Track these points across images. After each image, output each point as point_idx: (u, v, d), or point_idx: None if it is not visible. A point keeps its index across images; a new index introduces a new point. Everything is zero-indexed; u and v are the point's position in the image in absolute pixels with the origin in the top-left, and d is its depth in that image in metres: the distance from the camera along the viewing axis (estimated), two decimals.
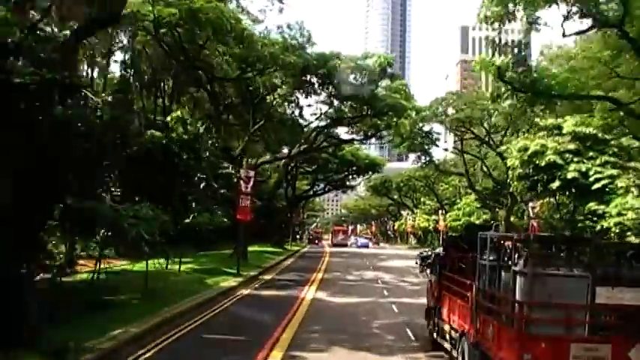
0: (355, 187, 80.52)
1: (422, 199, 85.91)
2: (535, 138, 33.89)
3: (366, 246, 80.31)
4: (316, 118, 35.41)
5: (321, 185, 73.58)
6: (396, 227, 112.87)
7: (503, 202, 53.20)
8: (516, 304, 8.20)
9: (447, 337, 11.80)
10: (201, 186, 23.48)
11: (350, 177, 65.70)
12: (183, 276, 25.88)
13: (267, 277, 29.90)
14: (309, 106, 34.11)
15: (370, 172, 65.11)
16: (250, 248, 55.37)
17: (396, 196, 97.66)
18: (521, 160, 34.14)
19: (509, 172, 37.56)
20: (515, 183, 37.21)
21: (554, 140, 33.21)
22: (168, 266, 25.97)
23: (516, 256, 8.72)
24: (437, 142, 51.41)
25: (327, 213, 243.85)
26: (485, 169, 51.96)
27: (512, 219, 48.72)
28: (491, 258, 9.39)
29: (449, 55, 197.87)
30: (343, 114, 33.16)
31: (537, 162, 32.71)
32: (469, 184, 52.51)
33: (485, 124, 45.89)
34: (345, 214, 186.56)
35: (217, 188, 26.04)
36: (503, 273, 9.00)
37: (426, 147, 53.03)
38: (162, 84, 32.68)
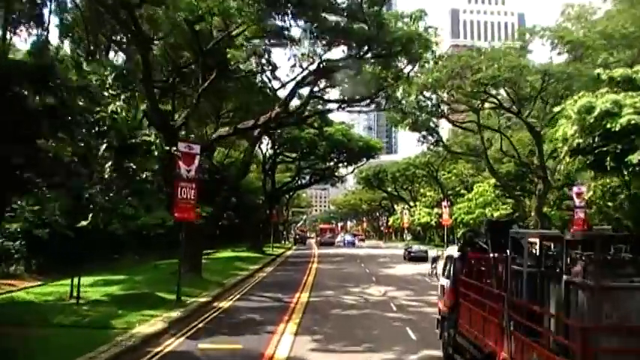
0: (345, 177, 70.82)
1: (422, 191, 76.21)
2: (602, 94, 24.37)
3: (353, 243, 79.31)
4: (294, 80, 25.09)
5: (307, 177, 63.59)
6: (390, 223, 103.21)
7: (530, 190, 43.70)
8: (577, 330, 6.30)
9: (468, 356, 10.08)
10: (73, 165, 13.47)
11: (340, 165, 55.55)
12: (81, 311, 16.00)
13: (224, 304, 19.85)
14: (289, 60, 23.90)
15: (364, 160, 55.13)
16: (221, 254, 45.62)
17: (390, 189, 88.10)
18: (581, 126, 24.61)
19: (558, 144, 27.91)
20: (567, 160, 27.63)
21: (630, 95, 23.77)
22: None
23: (568, 262, 7.07)
24: (447, 116, 41.51)
25: (316, 210, 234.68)
26: (504, 148, 42.36)
27: (544, 209, 39.19)
28: (529, 263, 7.68)
29: (439, 39, 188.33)
30: (332, 66, 23.30)
31: (609, 126, 23.17)
32: (489, 168, 42.77)
33: (509, 90, 36.20)
34: (334, 210, 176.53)
35: (133, 169, 15.91)
36: (548, 284, 7.34)
37: (433, 124, 43.33)
38: None
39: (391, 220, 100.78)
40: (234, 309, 18.86)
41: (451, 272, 11.81)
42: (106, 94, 16.65)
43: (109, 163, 15.76)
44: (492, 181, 51.88)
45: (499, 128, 42.01)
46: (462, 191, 67.33)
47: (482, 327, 9.23)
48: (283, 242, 76.89)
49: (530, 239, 8.26)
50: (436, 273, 15.07)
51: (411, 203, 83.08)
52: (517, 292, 7.93)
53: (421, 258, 39.94)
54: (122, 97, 16.91)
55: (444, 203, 63.62)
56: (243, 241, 54.75)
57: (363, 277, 29.72)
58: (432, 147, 47.05)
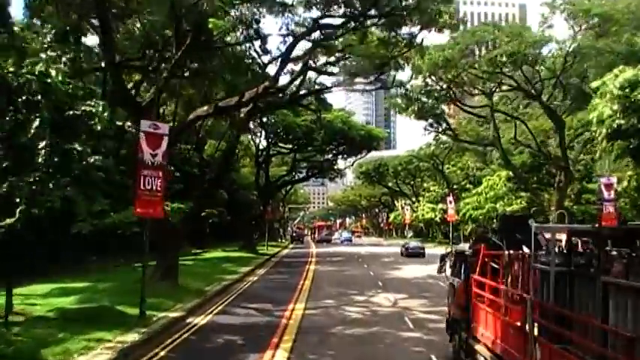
0: (344, 172, 66.99)
1: (425, 185, 72.45)
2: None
3: (350, 240, 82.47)
4: (287, 50, 21.11)
5: (304, 172, 59.78)
6: (390, 220, 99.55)
7: (548, 182, 40.07)
8: (622, 339, 5.47)
9: None
10: None
11: (339, 157, 51.67)
12: (9, 335, 12.35)
13: (200, 320, 16.09)
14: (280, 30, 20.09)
15: (365, 152, 51.27)
16: (210, 254, 41.90)
17: (391, 184, 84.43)
18: (623, 104, 21.08)
19: (592, 127, 24.36)
20: (603, 145, 24.05)
21: None
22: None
23: (604, 260, 6.28)
24: (459, 100, 37.75)
25: (314, 206, 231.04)
26: (517, 137, 38.72)
27: (565, 203, 35.53)
28: (557, 261, 7.07)
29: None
30: (330, 32, 19.52)
31: None
32: (503, 158, 39.06)
33: (528, 69, 32.53)
34: (333, 207, 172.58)
35: (78, 152, 12.15)
36: (581, 285, 6.66)
37: (438, 111, 39.62)
38: None
39: (392, 216, 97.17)
40: (211, 327, 15.12)
41: (462, 271, 10.87)
42: (43, 55, 12.98)
43: (43, 142, 12.02)
44: (503, 173, 48.30)
45: (513, 115, 38.31)
46: (468, 186, 63.80)
47: (500, 331, 8.32)
48: (280, 240, 73.24)
49: (550, 234, 7.55)
50: (445, 272, 12.94)
51: (413, 199, 79.43)
52: (542, 294, 7.27)
53: (418, 254, 42.55)
54: (63, 59, 13.17)
55: (449, 198, 60.10)
56: (237, 239, 51.08)
57: (368, 281, 26.02)
58: (438, 136, 43.26)
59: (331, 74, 23.86)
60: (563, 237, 7.80)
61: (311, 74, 26.51)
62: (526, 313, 7.12)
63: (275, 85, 19.99)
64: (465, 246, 11.83)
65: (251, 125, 44.85)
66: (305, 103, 30.54)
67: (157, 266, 20.54)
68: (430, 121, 39.61)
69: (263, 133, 43.15)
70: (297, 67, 24.57)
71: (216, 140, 52.87)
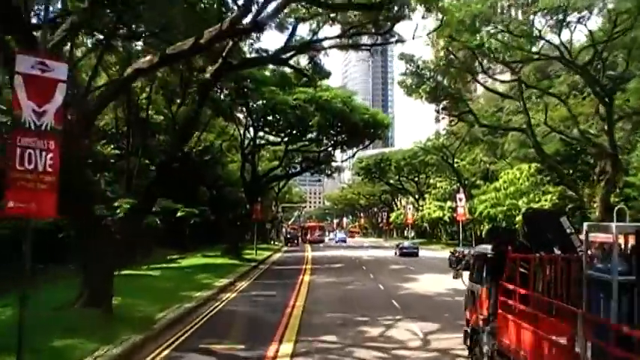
0: (343, 167, 60.97)
1: (431, 181, 66.37)
2: None
3: (344, 240, 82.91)
4: None
5: (298, 167, 53.56)
6: (391, 219, 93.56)
7: (584, 175, 34.13)
8: None
9: None
10: None
11: (337, 149, 45.33)
12: None
13: None
14: None
15: (367, 142, 45.04)
16: (187, 261, 35.76)
17: (393, 181, 78.44)
18: None
19: None
20: None
21: None
22: None
23: None
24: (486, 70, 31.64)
25: (310, 206, 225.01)
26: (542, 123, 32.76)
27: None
28: (620, 269, 5.98)
29: None
30: None
31: None
32: (535, 147, 33.02)
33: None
34: (330, 206, 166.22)
35: None
36: None
37: (454, 91, 33.57)
38: None
39: (393, 216, 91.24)
40: None
41: (484, 276, 9.49)
42: None
43: None
44: (524, 166, 42.45)
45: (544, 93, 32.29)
46: (478, 182, 57.92)
47: (536, 348, 6.98)
48: (273, 243, 67.11)
49: (610, 234, 6.23)
50: (461, 276, 11.53)
51: (417, 196, 73.47)
52: (598, 308, 6.19)
53: (412, 254, 44.20)
54: None
55: (459, 195, 54.18)
56: (224, 242, 45.08)
57: (379, 300, 19.92)
58: (453, 122, 37.18)
59: (323, 9, 17.51)
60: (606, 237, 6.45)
61: (303, 32, 20.42)
62: (576, 331, 6.00)
63: (243, 18, 13.82)
64: (485, 248, 10.07)
65: (240, 117, 38.78)
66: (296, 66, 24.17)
67: (84, 285, 14.39)
68: (444, 103, 33.51)
69: (247, 116, 36.95)
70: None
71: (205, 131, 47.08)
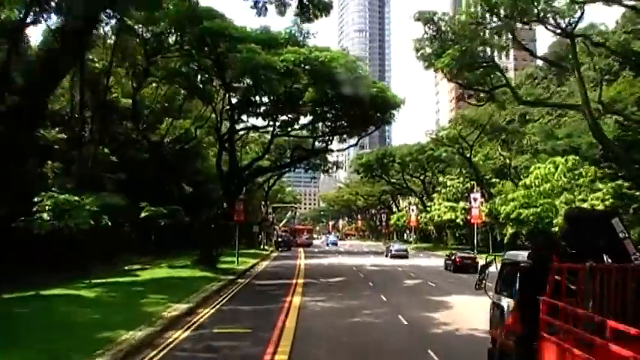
0: (341, 159, 53.67)
1: (441, 179, 59.16)
2: None
3: (335, 243, 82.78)
4: None
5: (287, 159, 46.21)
6: (391, 221, 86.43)
7: None
8: None
9: None
10: None
11: (336, 137, 37.66)
12: None
13: None
14: None
15: (371, 129, 37.64)
16: (149, 273, 28.62)
17: (395, 179, 71.32)
18: None
19: None
20: None
21: None
22: None
23: None
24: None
25: (305, 208, 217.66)
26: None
27: None
28: None
29: None
30: None
31: None
32: (594, 129, 25.88)
33: None
34: (325, 208, 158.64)
35: None
36: None
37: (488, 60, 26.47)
38: None
39: (394, 217, 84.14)
40: None
41: (517, 288, 8.11)
42: None
43: None
44: (559, 159, 35.50)
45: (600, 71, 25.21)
46: (493, 179, 50.99)
47: None
48: (262, 247, 59.78)
49: None
50: (484, 287, 9.46)
51: (422, 196, 66.36)
52: None
53: (402, 256, 45.66)
54: None
55: (474, 195, 47.24)
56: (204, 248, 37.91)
57: (405, 348, 12.77)
58: (482, 102, 29.96)
59: None
60: None
61: None
62: None
63: None
64: (519, 255, 8.53)
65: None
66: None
67: None
68: (474, 74, 26.35)
69: (222, 89, 29.61)
70: None
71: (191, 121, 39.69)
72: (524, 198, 34.87)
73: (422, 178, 64.51)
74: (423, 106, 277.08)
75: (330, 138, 36.46)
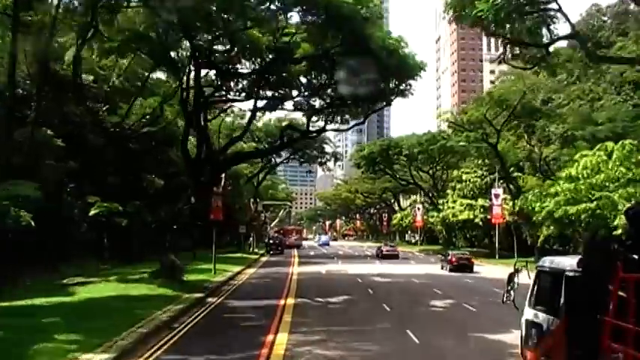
0: (340, 154, 46.73)
1: (455, 173, 52.20)
2: None
3: (327, 243, 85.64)
4: None
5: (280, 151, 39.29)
6: (394, 221, 79.59)
7: None
8: None
9: None
10: None
11: (337, 116, 30.23)
12: None
13: None
14: None
15: (381, 103, 30.27)
16: (89, 290, 20.91)
17: (400, 174, 64.39)
18: None
19: None
20: None
21: None
22: None
23: None
24: None
25: (300, 207, 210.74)
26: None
27: None
28: None
29: None
30: None
31: None
32: None
33: None
34: (322, 207, 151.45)
35: None
36: None
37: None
38: None
39: (397, 217, 77.30)
40: None
41: (563, 304, 6.86)
42: None
43: None
44: (610, 144, 28.79)
45: None
46: (515, 173, 44.31)
47: None
48: (251, 250, 52.85)
49: None
50: (512, 299, 8.10)
51: (432, 193, 59.52)
52: None
53: (392, 256, 46.04)
54: None
55: (496, 191, 40.64)
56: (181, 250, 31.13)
57: None
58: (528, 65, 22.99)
59: None
60: None
61: None
62: None
63: None
64: (560, 261, 7.48)
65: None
66: None
67: None
68: (525, 25, 19.45)
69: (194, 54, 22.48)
70: None
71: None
72: (571, 192, 28.10)
73: (431, 172, 57.54)
74: (423, 95, 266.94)
75: (329, 117, 29.33)
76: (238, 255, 44.76)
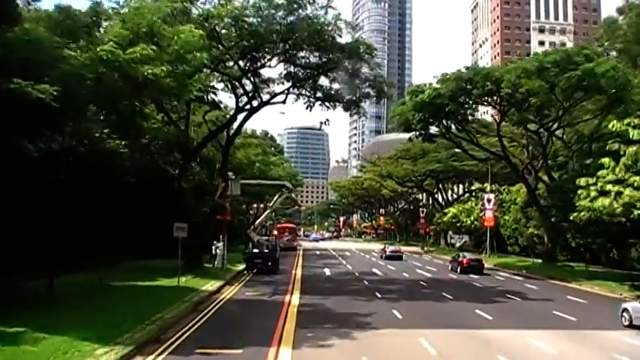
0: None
1: (615, 125, 27.92)
2: None
3: (317, 240, 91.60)
4: None
5: None
6: (443, 218, 55.54)
7: None
8: None
9: None
10: None
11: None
12: None
13: None
14: None
15: None
16: None
17: (466, 143, 40.43)
18: None
19: None
20: None
21: None
22: None
23: None
24: None
25: (311, 201, 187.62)
26: None
27: None
28: None
29: None
30: None
31: None
32: None
33: None
34: (336, 200, 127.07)
35: None
36: None
37: None
38: None
39: (450, 211, 53.48)
40: None
41: None
42: None
43: None
44: None
45: None
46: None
47: None
48: (214, 265, 29.55)
49: None
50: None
51: (533, 172, 35.62)
52: None
53: (396, 257, 44.79)
54: None
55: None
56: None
57: None
58: None
59: None
60: None
61: None
62: None
63: None
64: None
65: None
66: None
67: None
68: None
69: None
70: None
71: None
72: None
73: (550, 130, 32.16)
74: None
75: None
76: (159, 284, 21.35)
